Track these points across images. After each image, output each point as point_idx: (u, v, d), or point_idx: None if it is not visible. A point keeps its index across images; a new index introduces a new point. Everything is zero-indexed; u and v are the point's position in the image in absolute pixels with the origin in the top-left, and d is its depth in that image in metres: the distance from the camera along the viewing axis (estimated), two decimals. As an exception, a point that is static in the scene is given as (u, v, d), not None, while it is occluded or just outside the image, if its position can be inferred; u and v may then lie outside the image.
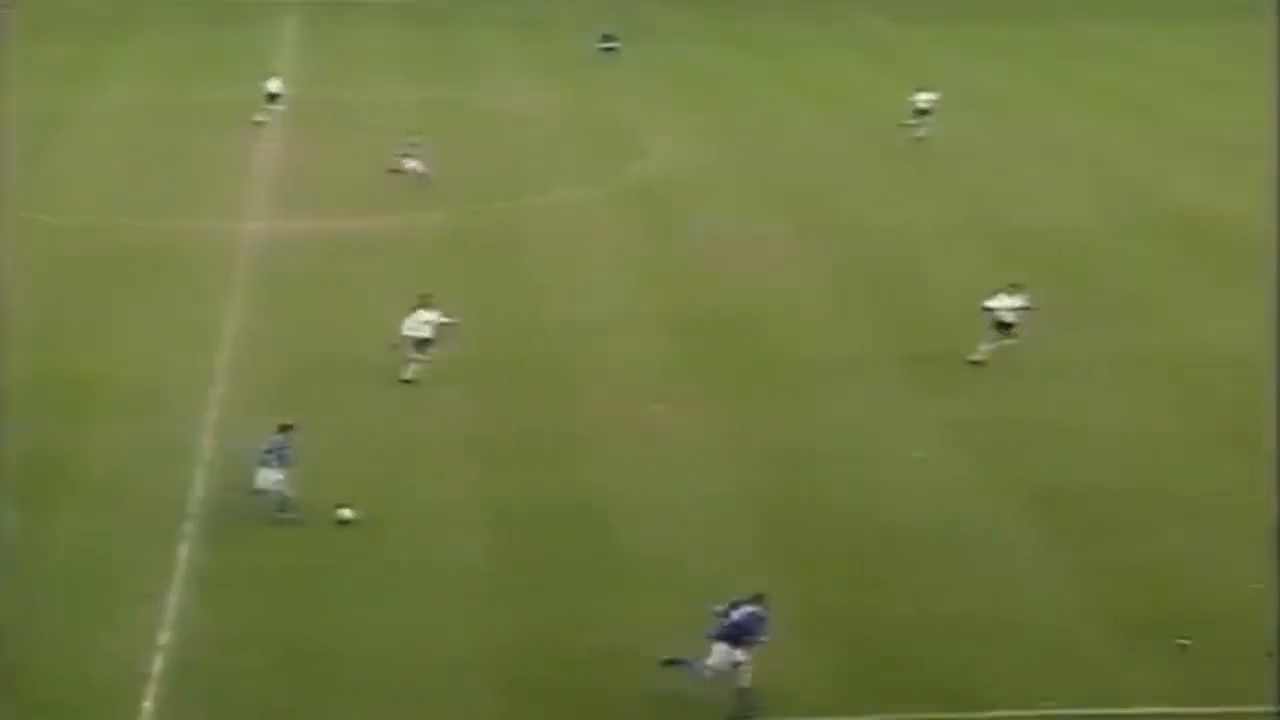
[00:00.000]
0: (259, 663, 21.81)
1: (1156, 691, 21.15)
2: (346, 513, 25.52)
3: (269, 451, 25.42)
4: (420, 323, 31.44)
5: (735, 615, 20.80)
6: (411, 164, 46.46)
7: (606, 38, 69.91)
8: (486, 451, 28.82)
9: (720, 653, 20.67)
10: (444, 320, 31.55)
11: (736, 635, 20.67)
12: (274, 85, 55.21)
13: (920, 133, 52.95)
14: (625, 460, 28.65)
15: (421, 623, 23.01)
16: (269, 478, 25.39)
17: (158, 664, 21.58)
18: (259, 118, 54.00)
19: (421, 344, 31.49)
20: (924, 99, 53.58)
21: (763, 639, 20.75)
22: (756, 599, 21.01)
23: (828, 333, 35.31)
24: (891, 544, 25.42)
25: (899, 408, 31.06)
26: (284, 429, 25.67)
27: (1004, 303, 32.61)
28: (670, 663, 20.97)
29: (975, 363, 32.51)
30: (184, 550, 24.81)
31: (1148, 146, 53.80)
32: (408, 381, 31.26)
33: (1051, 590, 24.06)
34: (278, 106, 54.56)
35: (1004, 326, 32.60)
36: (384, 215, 44.16)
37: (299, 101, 56.02)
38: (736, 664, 20.64)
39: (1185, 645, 21.99)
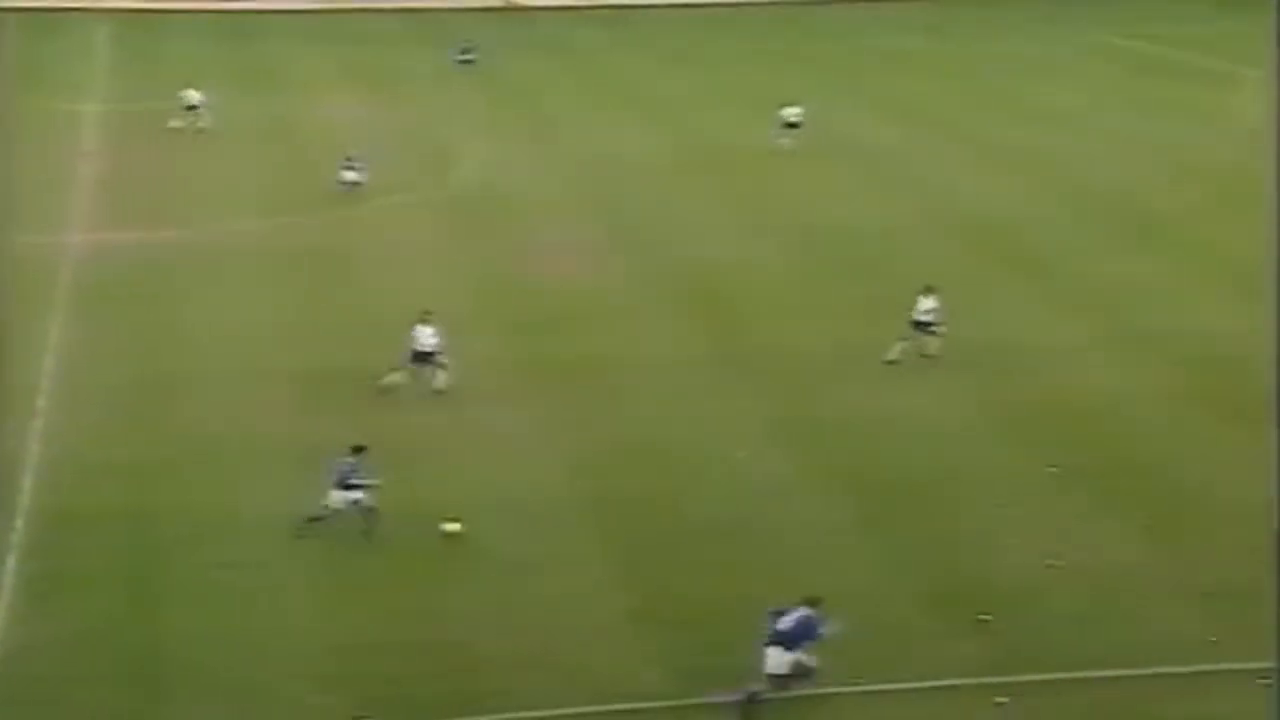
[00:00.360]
0: (93, 669, 21.79)
1: (961, 663, 21.99)
2: (452, 526, 25.69)
3: (343, 473, 25.45)
4: (423, 338, 31.52)
5: (785, 621, 21.06)
6: (351, 175, 47.31)
7: (464, 50, 70.18)
8: (316, 455, 29.03)
9: (774, 657, 20.99)
10: (435, 338, 31.54)
11: (788, 640, 20.98)
12: (195, 96, 55.62)
13: (786, 143, 53.94)
14: (457, 460, 29.02)
15: (256, 625, 23.13)
16: (343, 498, 25.41)
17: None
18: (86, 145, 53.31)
19: (422, 358, 31.42)
20: (791, 113, 54.85)
21: (820, 636, 21.02)
22: (811, 603, 21.31)
23: (650, 333, 36.01)
24: (718, 534, 26.04)
25: (721, 404, 31.76)
26: (356, 451, 25.76)
27: (919, 304, 33.71)
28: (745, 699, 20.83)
29: (890, 362, 33.30)
30: (11, 561, 24.75)
31: (941, 152, 55.44)
32: (439, 392, 31.34)
33: (865, 572, 24.85)
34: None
35: (921, 326, 33.65)
36: (208, 225, 44.12)
37: (114, 115, 55.62)
38: (797, 667, 20.95)
39: (986, 620, 23.14)
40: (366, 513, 25.47)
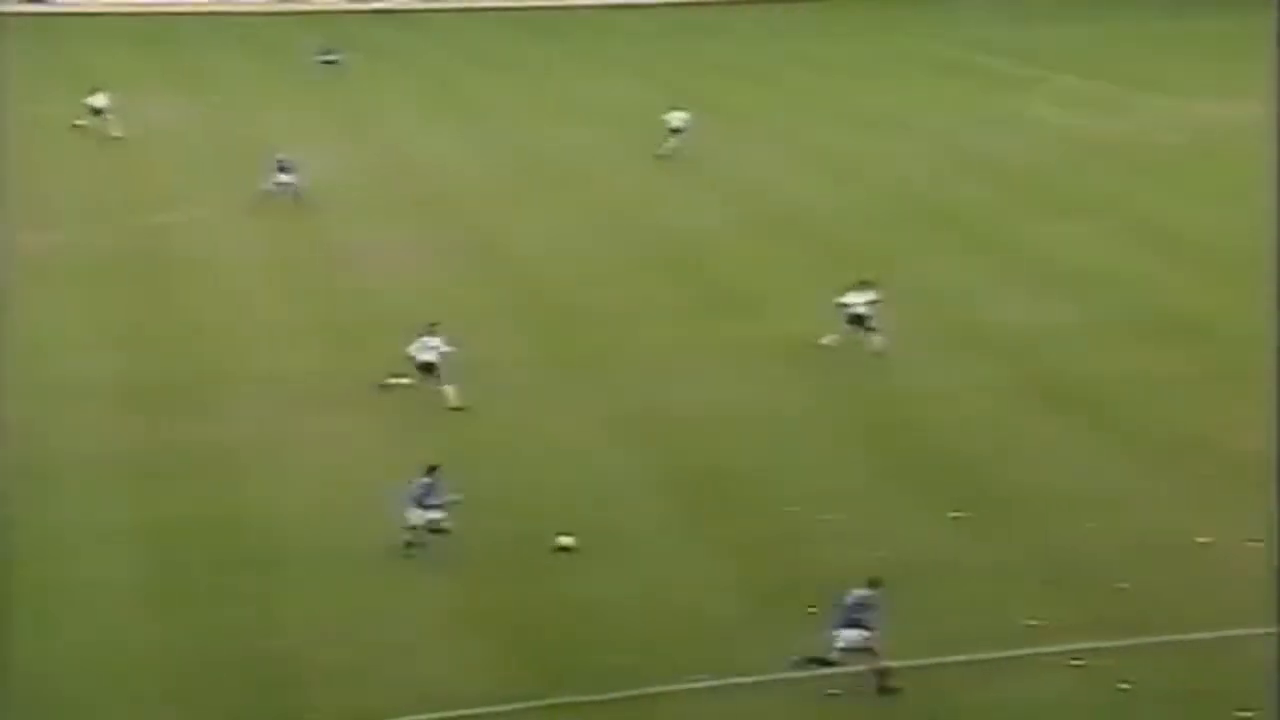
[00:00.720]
0: None
1: (788, 654, 21.99)
2: (567, 540, 25.21)
3: (419, 491, 24.91)
4: (426, 348, 30.66)
5: (849, 601, 21.32)
6: (285, 179, 46.09)
7: (327, 51, 69.07)
8: (138, 466, 28.37)
9: (846, 638, 21.23)
10: (445, 349, 30.71)
11: (855, 621, 21.18)
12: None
13: (671, 145, 53.51)
14: (281, 470, 28.55)
15: (84, 639, 22.52)
16: (420, 516, 24.85)
17: None
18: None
19: (426, 369, 30.67)
20: (677, 118, 54.49)
21: (876, 617, 21.26)
22: (872, 584, 21.48)
23: (477, 336, 35.84)
24: (545, 536, 25.83)
25: (555, 405, 31.72)
26: (431, 470, 25.14)
27: (855, 298, 33.77)
28: (810, 661, 21.30)
29: (824, 345, 33.71)
30: None
31: (755, 153, 55.88)
32: (458, 409, 30.50)
33: (693, 567, 24.80)
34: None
35: (857, 320, 33.71)
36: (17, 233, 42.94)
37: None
38: (866, 644, 21.17)
39: (814, 612, 23.26)
40: (440, 533, 24.87)
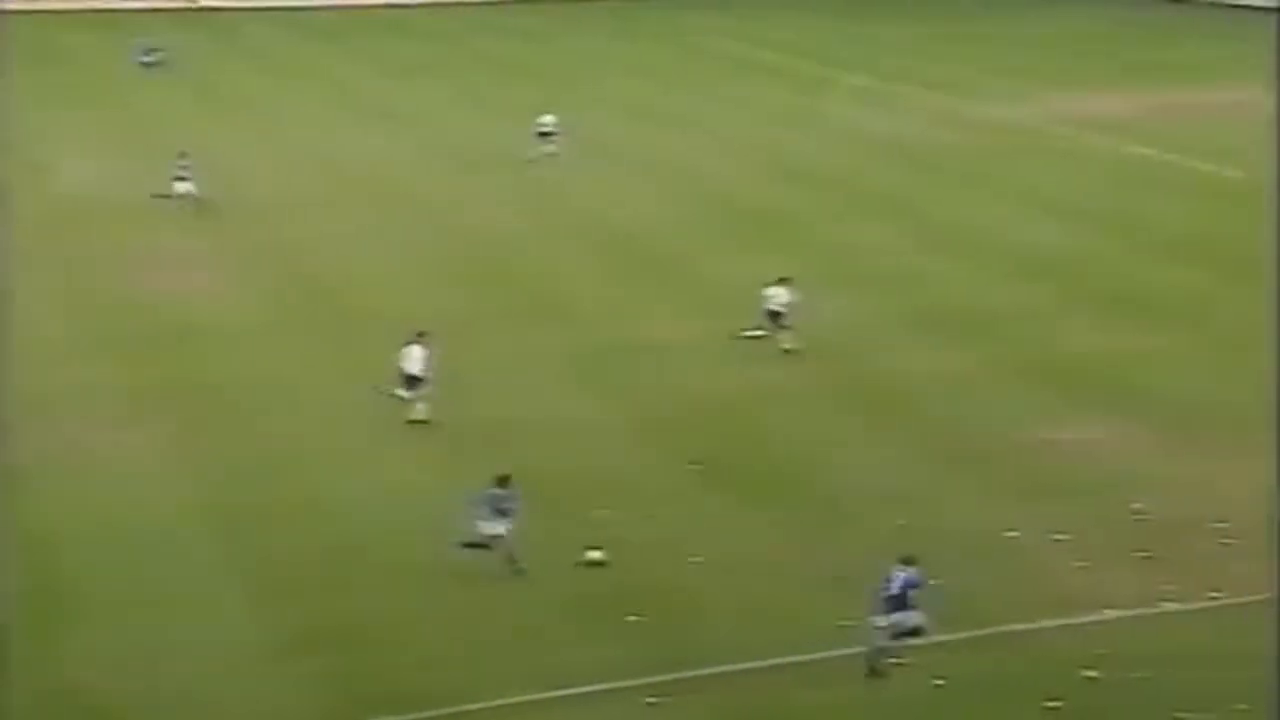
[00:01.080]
0: None
1: (608, 667, 21.89)
2: (596, 554, 24.67)
3: (489, 504, 24.21)
4: (412, 359, 30.22)
5: (895, 587, 21.40)
6: (182, 187, 45.27)
7: (149, 51, 67.32)
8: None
9: (897, 620, 21.40)
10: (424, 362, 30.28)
11: (902, 603, 21.38)
12: None
13: (546, 150, 53.24)
14: (71, 488, 27.67)
15: None
16: (492, 529, 24.09)
17: None
18: None
19: (411, 380, 30.14)
20: (547, 122, 54.02)
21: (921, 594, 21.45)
22: (907, 561, 21.62)
23: (271, 351, 35.12)
24: (352, 552, 25.39)
25: (348, 415, 31.22)
26: (502, 481, 24.34)
27: (774, 294, 34.15)
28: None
29: (748, 337, 34.13)
30: None
31: (554, 157, 56.11)
32: (419, 422, 30.10)
33: (503, 581, 24.33)
34: None
35: (775, 316, 34.06)
36: None
37: None
38: (916, 625, 21.42)
39: (635, 621, 23.26)
40: (508, 547, 24.32)
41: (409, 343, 30.62)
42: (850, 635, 22.46)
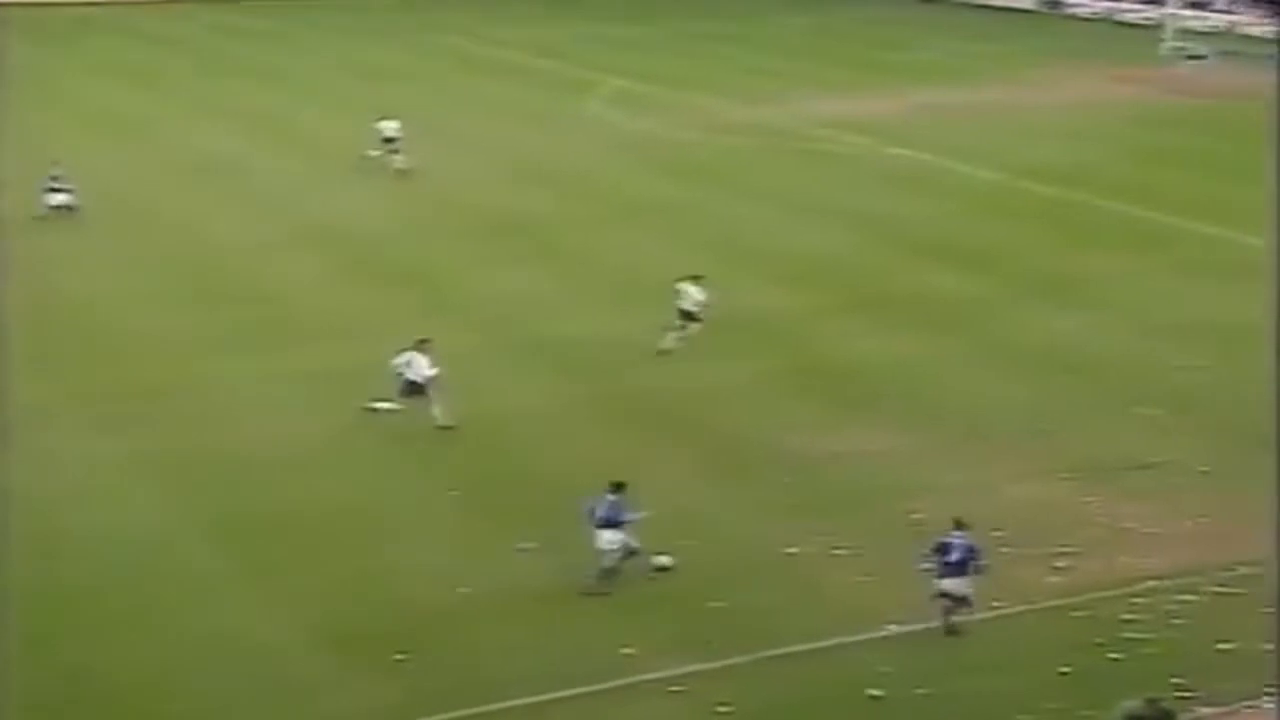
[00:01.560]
0: None
1: (373, 708, 21.22)
2: (664, 559, 24.33)
3: (606, 511, 24.10)
4: (415, 368, 30.13)
5: (954, 557, 22.70)
6: (59, 198, 44.87)
7: None
8: None
9: (957, 585, 22.74)
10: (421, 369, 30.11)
11: (960, 568, 22.74)
12: None
13: (397, 160, 52.26)
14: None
15: None
16: (610, 538, 23.98)
17: None
18: None
19: (413, 388, 30.04)
20: (389, 127, 52.68)
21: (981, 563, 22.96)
22: (959, 526, 23.04)
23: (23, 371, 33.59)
24: (92, 593, 24.31)
25: (82, 448, 29.94)
26: (617, 488, 24.21)
27: (689, 293, 34.54)
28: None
29: (664, 351, 34.32)
30: None
31: (285, 163, 54.94)
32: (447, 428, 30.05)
33: (253, 621, 23.52)
34: None
35: (687, 315, 34.28)
36: None
37: None
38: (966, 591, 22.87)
39: (403, 659, 22.53)
40: (630, 554, 24.20)
41: (406, 349, 30.60)
42: (632, 664, 22.10)
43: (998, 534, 26.07)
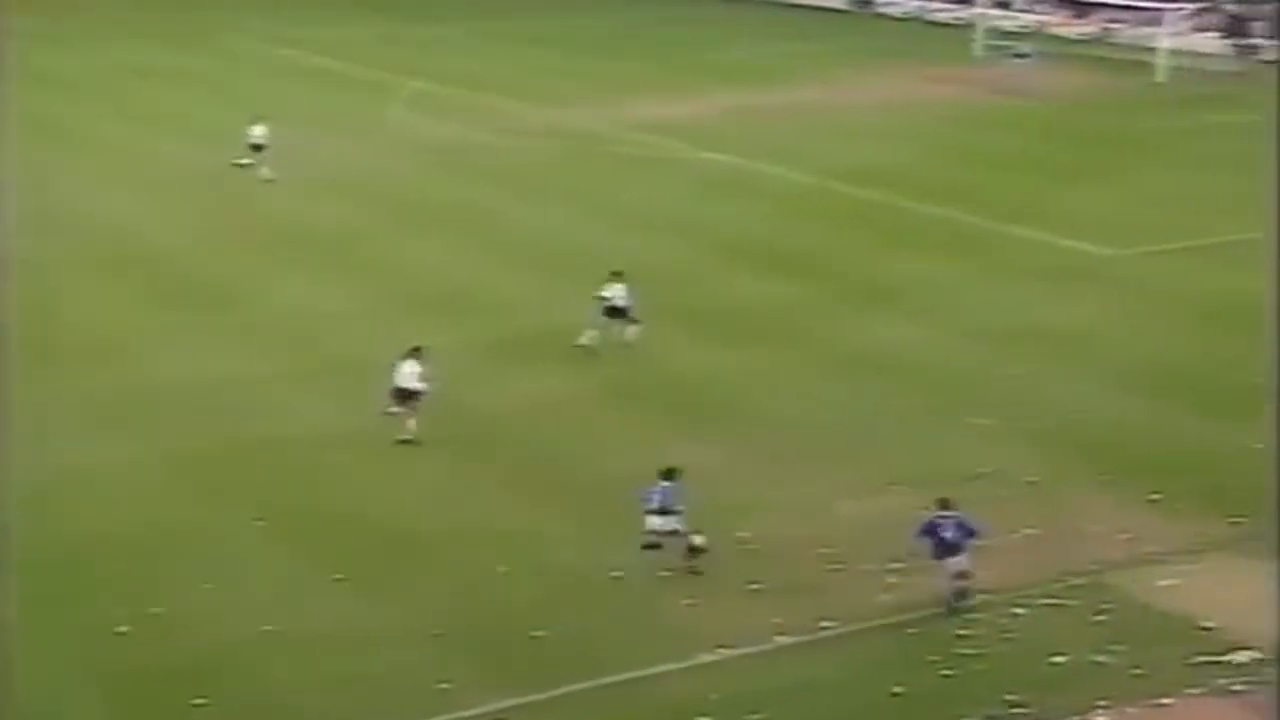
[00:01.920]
0: None
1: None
2: (698, 539, 25.18)
3: (657, 498, 25.07)
4: (406, 375, 30.69)
5: (948, 535, 23.94)
6: None
7: None
8: None
9: (958, 562, 23.99)
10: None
11: (956, 547, 23.97)
12: None
13: (264, 172, 51.22)
14: None
15: None
16: (662, 524, 24.98)
17: None
18: None
19: (405, 396, 30.45)
20: (258, 133, 51.40)
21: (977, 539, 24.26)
22: (944, 505, 24.26)
23: None
24: None
25: None
26: (669, 474, 25.25)
27: (614, 290, 35.12)
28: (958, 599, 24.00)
29: (582, 346, 34.96)
30: None
31: (73, 170, 53.57)
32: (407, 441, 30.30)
33: (42, 663, 22.68)
34: None
35: (615, 312, 35.11)
36: None
37: None
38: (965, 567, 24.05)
39: (201, 705, 21.75)
40: (681, 538, 25.13)
41: (402, 358, 30.93)
42: (449, 699, 21.71)
43: (827, 551, 26.20)
